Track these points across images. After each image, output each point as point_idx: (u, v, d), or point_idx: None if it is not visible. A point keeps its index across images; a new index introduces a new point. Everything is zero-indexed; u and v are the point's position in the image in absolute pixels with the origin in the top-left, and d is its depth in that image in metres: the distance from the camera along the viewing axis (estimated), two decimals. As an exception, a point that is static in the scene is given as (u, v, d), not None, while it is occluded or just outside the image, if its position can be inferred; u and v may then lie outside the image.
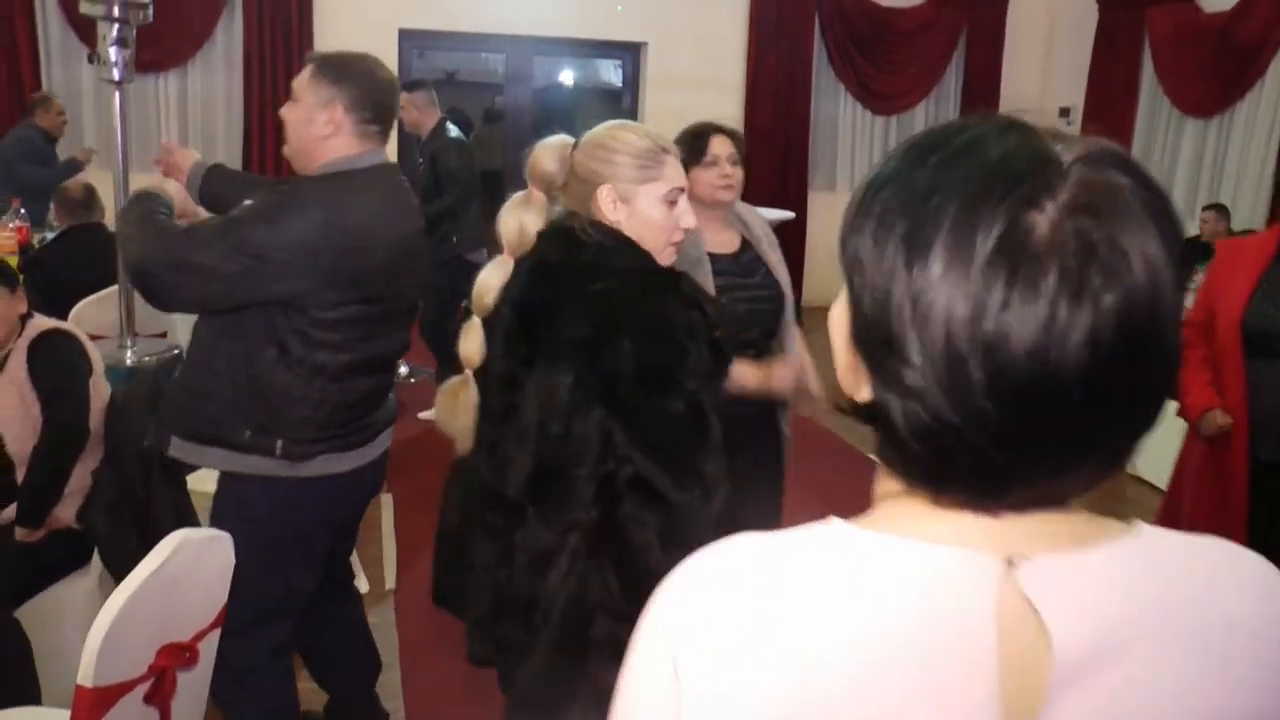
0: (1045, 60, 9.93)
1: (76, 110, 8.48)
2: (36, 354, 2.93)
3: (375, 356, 2.42)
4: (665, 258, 1.99)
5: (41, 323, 3.01)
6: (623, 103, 9.75)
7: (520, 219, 1.97)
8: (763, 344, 2.75)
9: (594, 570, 1.82)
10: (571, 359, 1.80)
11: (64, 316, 3.56)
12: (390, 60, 8.48)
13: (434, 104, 5.84)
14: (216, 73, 8.56)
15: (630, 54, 9.49)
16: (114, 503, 2.85)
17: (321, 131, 2.35)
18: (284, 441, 2.31)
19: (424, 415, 5.28)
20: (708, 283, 2.59)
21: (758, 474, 2.68)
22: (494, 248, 2.11)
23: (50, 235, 5.73)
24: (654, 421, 1.81)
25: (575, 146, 1.98)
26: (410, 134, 6.74)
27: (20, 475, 2.90)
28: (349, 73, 2.37)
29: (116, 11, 3.48)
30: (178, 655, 1.81)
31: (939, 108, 9.97)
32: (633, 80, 9.59)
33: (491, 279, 1.98)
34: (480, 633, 2.03)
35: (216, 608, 2.00)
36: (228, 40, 8.50)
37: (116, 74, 3.56)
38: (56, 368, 2.92)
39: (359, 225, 2.27)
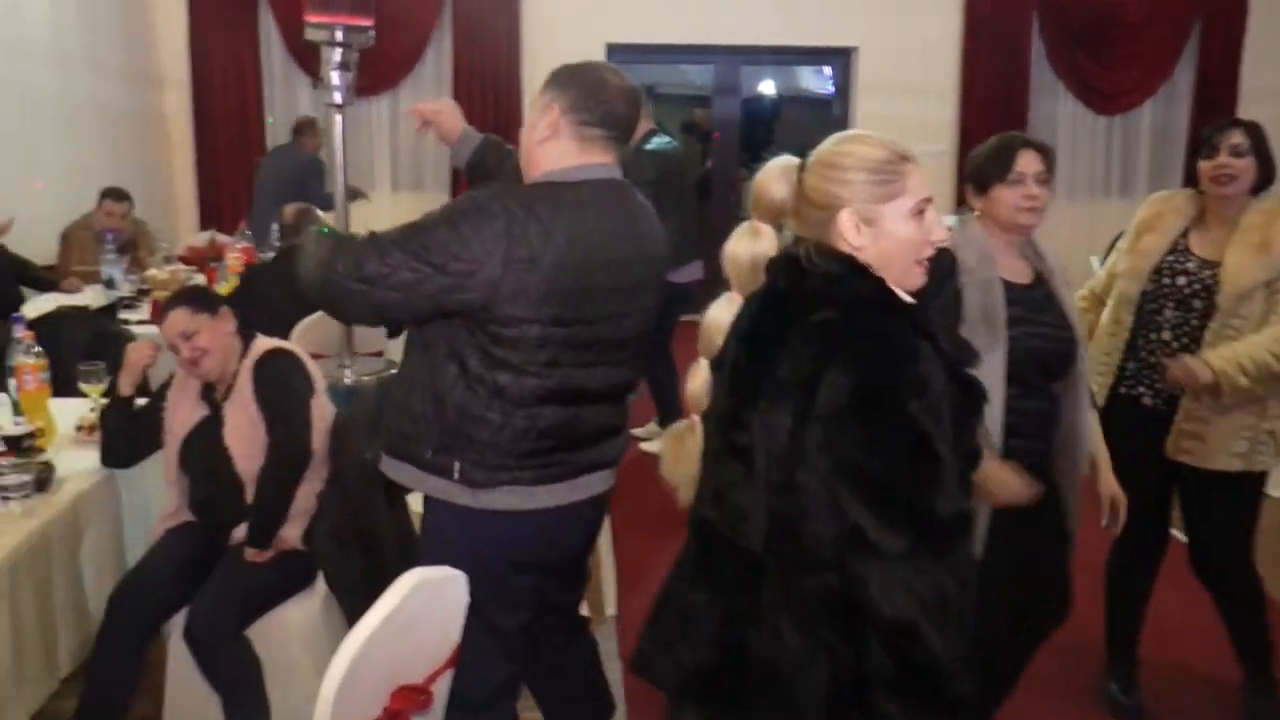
0: (1294, 52, 9.14)
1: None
2: (260, 375, 2.96)
3: (574, 386, 2.20)
4: (914, 279, 1.75)
5: (265, 343, 3.05)
6: (833, 111, 9.51)
7: (750, 253, 1.78)
8: (1044, 387, 2.47)
9: (841, 639, 1.59)
10: (789, 398, 1.60)
11: (276, 334, 3.60)
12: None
13: (648, 115, 5.53)
14: (426, 94, 8.72)
15: (841, 59, 9.24)
16: (338, 525, 2.84)
17: (539, 136, 2.21)
18: (462, 464, 2.16)
19: (637, 432, 5.21)
20: (997, 308, 2.36)
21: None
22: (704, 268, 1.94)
23: (272, 254, 5.93)
24: (865, 454, 1.58)
25: (802, 168, 1.76)
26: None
27: (250, 496, 2.93)
28: (572, 76, 2.23)
29: (339, 36, 3.51)
30: (412, 698, 1.73)
31: (1169, 107, 9.32)
32: (843, 87, 9.33)
33: (720, 317, 1.80)
34: (692, 697, 1.77)
35: (450, 648, 1.91)
36: (437, 61, 8.68)
37: (338, 98, 3.60)
38: (278, 389, 2.94)
39: (548, 240, 2.07)
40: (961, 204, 2.73)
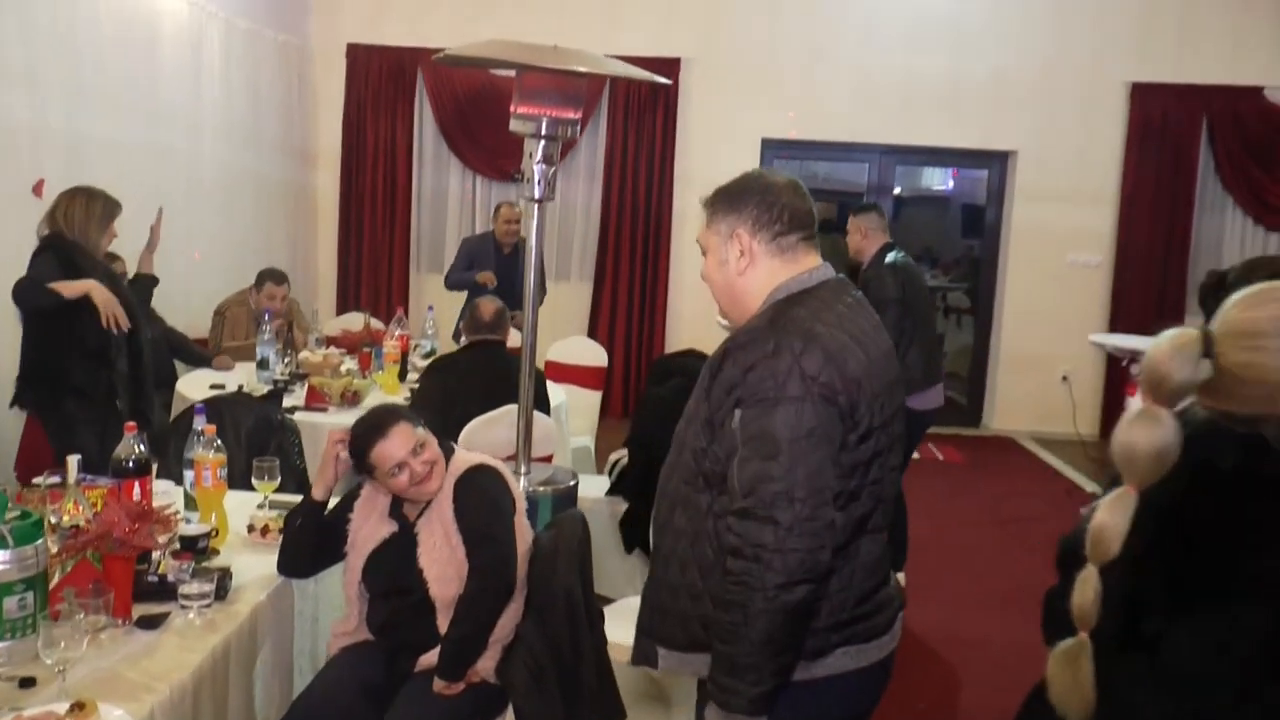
0: None
1: (442, 215, 8.86)
2: (462, 492, 2.75)
3: (874, 509, 1.99)
4: None
5: (466, 457, 2.84)
6: (986, 216, 9.22)
7: (1152, 443, 1.50)
8: None
9: None
10: (1267, 597, 1.34)
11: (448, 428, 3.41)
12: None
13: (883, 229, 5.28)
14: (578, 180, 8.71)
15: (999, 163, 8.98)
16: (537, 659, 2.61)
17: (738, 267, 2.06)
18: None
19: None
20: None
21: None
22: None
23: (427, 343, 5.83)
24: None
25: (1209, 340, 1.52)
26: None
27: (441, 620, 2.71)
28: (740, 194, 2.07)
29: (544, 129, 3.38)
30: None
31: (1343, 225, 8.86)
32: (998, 191, 9.05)
33: (1115, 522, 1.51)
34: None
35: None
36: (591, 149, 8.64)
37: (538, 192, 3.45)
38: (485, 509, 2.73)
39: (829, 351, 1.89)
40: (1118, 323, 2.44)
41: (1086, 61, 8.62)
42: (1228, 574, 1.38)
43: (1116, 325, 8.57)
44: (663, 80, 3.67)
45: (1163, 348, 1.51)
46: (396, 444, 2.72)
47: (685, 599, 1.99)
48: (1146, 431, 1.49)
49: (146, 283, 4.94)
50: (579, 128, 3.44)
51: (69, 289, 4.09)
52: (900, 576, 5.06)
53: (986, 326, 9.27)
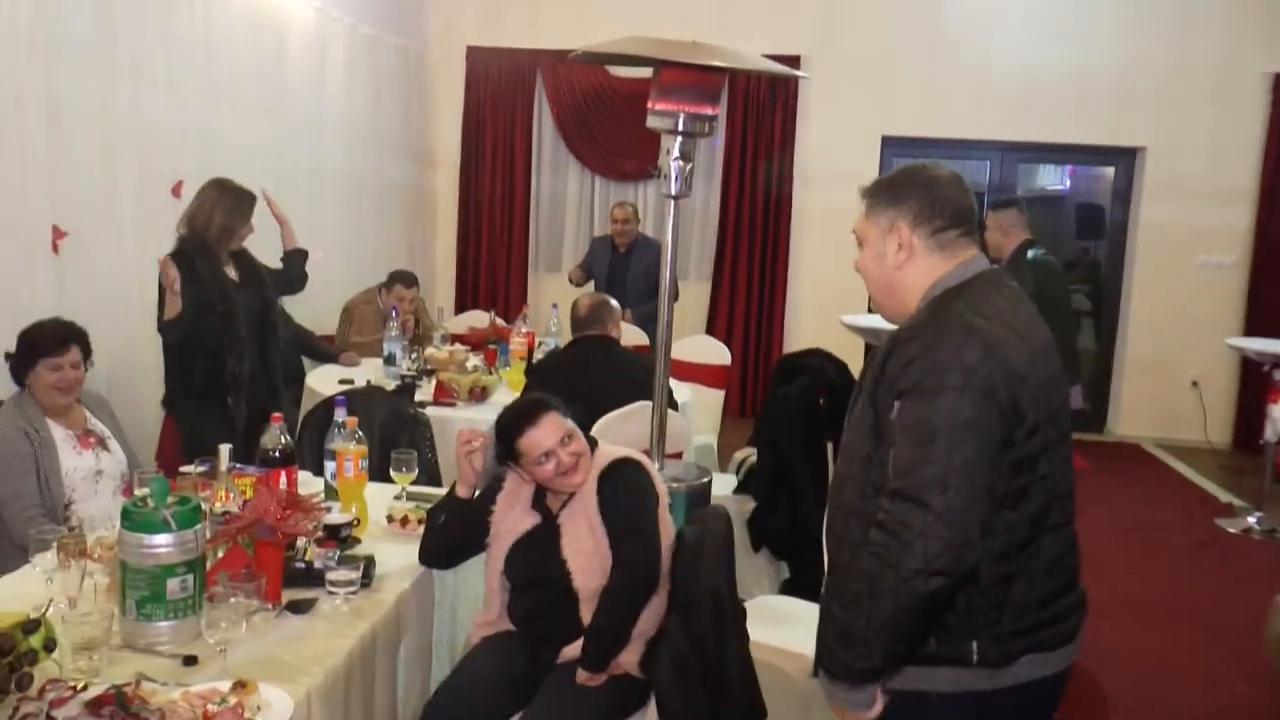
0: None
1: (559, 217, 8.92)
2: (607, 485, 2.75)
3: (1052, 504, 1.93)
4: None
5: (610, 450, 2.84)
6: (1111, 215, 8.95)
7: None
8: None
9: None
10: None
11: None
12: (872, 168, 8.31)
13: (1023, 226, 5.19)
14: (696, 179, 8.65)
15: (1126, 160, 8.72)
16: (682, 654, 2.58)
17: (896, 261, 2.02)
18: (979, 643, 1.87)
19: None
20: None
21: None
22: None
23: (551, 341, 5.85)
24: None
25: None
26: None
27: (584, 611, 2.71)
28: (904, 186, 2.04)
29: (681, 125, 3.36)
30: None
31: None
32: (1125, 190, 8.79)
33: None
34: None
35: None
36: (709, 147, 8.61)
37: (674, 189, 3.44)
38: (629, 503, 2.72)
39: (997, 337, 1.86)
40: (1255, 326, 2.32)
41: (1220, 51, 8.29)
42: None
43: (1253, 329, 8.21)
44: (799, 74, 3.63)
45: None
46: (546, 432, 2.72)
47: None
48: None
49: (298, 257, 4.94)
50: (715, 124, 3.41)
51: (168, 311, 4.16)
52: None
53: (1111, 329, 9.00)
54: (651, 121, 3.37)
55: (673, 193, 3.43)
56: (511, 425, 2.78)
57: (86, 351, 3.58)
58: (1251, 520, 6.45)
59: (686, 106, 3.33)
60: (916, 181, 2.03)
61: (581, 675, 2.64)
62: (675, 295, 3.84)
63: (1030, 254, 4.98)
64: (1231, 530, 6.45)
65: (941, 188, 2.02)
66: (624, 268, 7.08)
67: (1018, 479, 1.85)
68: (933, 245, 2.00)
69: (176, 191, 5.23)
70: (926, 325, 1.91)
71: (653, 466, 2.88)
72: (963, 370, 1.80)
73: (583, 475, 2.76)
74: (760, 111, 8.49)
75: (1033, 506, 1.88)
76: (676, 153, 3.38)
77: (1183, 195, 8.43)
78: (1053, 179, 13.96)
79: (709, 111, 3.35)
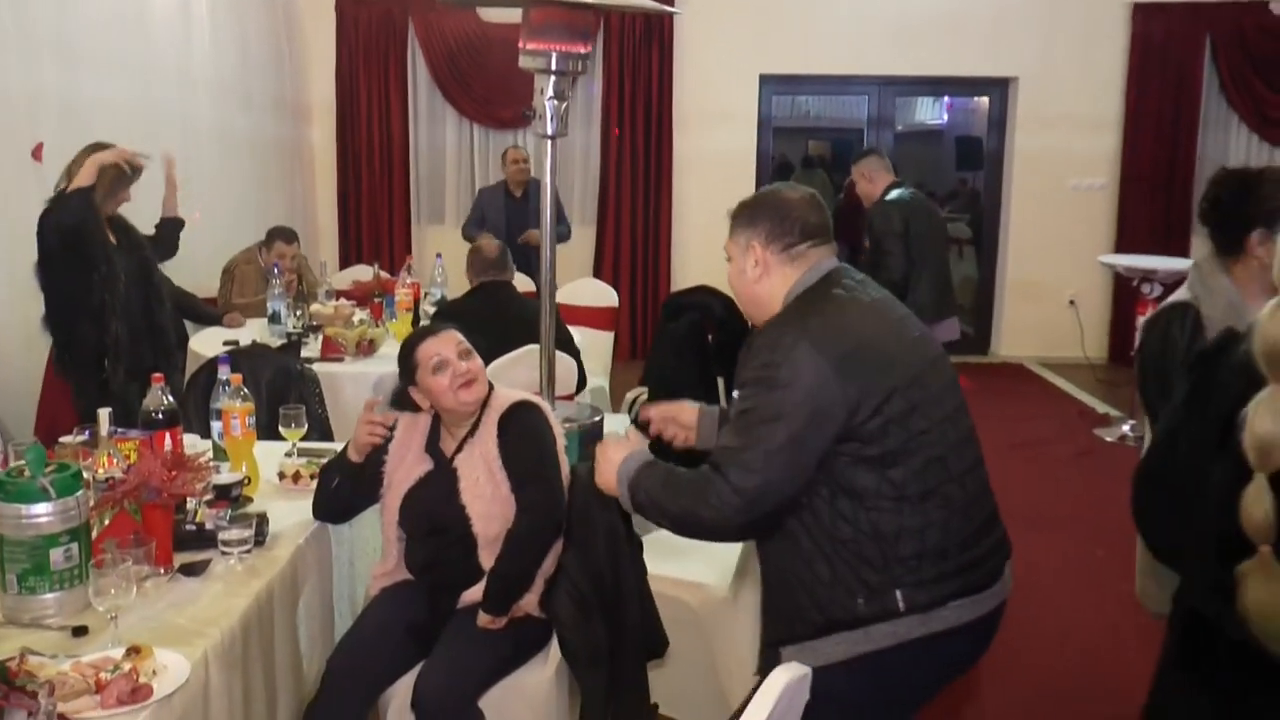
0: None
1: (440, 167, 8.82)
2: (509, 429, 2.75)
3: (945, 454, 2.08)
4: None
5: (508, 394, 2.84)
6: (987, 144, 9.17)
7: None
8: None
9: None
10: None
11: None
12: (751, 106, 8.35)
13: (887, 170, 5.32)
14: (574, 126, 8.63)
15: (999, 90, 8.91)
16: (580, 591, 2.61)
17: (754, 276, 2.22)
18: (903, 592, 2.01)
19: None
20: None
21: None
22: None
23: (437, 291, 5.80)
24: None
25: None
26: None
27: (483, 556, 2.72)
28: (756, 209, 2.24)
29: (554, 64, 3.33)
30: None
31: (1350, 137, 8.81)
32: (1000, 119, 9.00)
33: (1275, 429, 1.49)
34: None
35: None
36: (586, 94, 8.57)
37: (551, 128, 3.41)
38: (532, 447, 2.74)
39: (845, 328, 2.07)
40: (1227, 252, 2.46)
41: (1086, -18, 8.53)
42: None
43: (1122, 247, 8.55)
44: (671, 9, 3.62)
45: None
46: (444, 342, 2.77)
47: (799, 592, 2.09)
48: None
49: (173, 225, 4.87)
50: (588, 63, 3.39)
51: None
52: None
53: (991, 255, 9.26)
54: (524, 61, 3.34)
55: (549, 133, 3.40)
56: (412, 339, 2.83)
57: None
58: (1125, 429, 6.82)
59: (558, 45, 3.29)
60: (769, 204, 2.23)
61: (483, 619, 2.65)
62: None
63: (894, 194, 5.12)
64: (1108, 439, 6.81)
65: (792, 207, 2.21)
66: (522, 213, 7.06)
67: (887, 441, 1.99)
68: (784, 259, 2.19)
69: (37, 154, 5.03)
70: (771, 326, 2.12)
71: (549, 409, 2.88)
72: (792, 369, 1.98)
73: (477, 395, 2.77)
74: (636, 53, 8.47)
75: (919, 460, 2.01)
76: (551, 92, 3.36)
77: (1053, 123, 8.68)
78: (931, 113, 14.18)
79: (581, 50, 3.31)
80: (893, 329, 2.13)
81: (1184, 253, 8.04)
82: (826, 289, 2.15)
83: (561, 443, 2.83)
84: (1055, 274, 8.87)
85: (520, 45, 3.36)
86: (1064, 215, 8.82)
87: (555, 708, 2.74)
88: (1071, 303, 8.83)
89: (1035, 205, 8.87)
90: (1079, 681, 3.82)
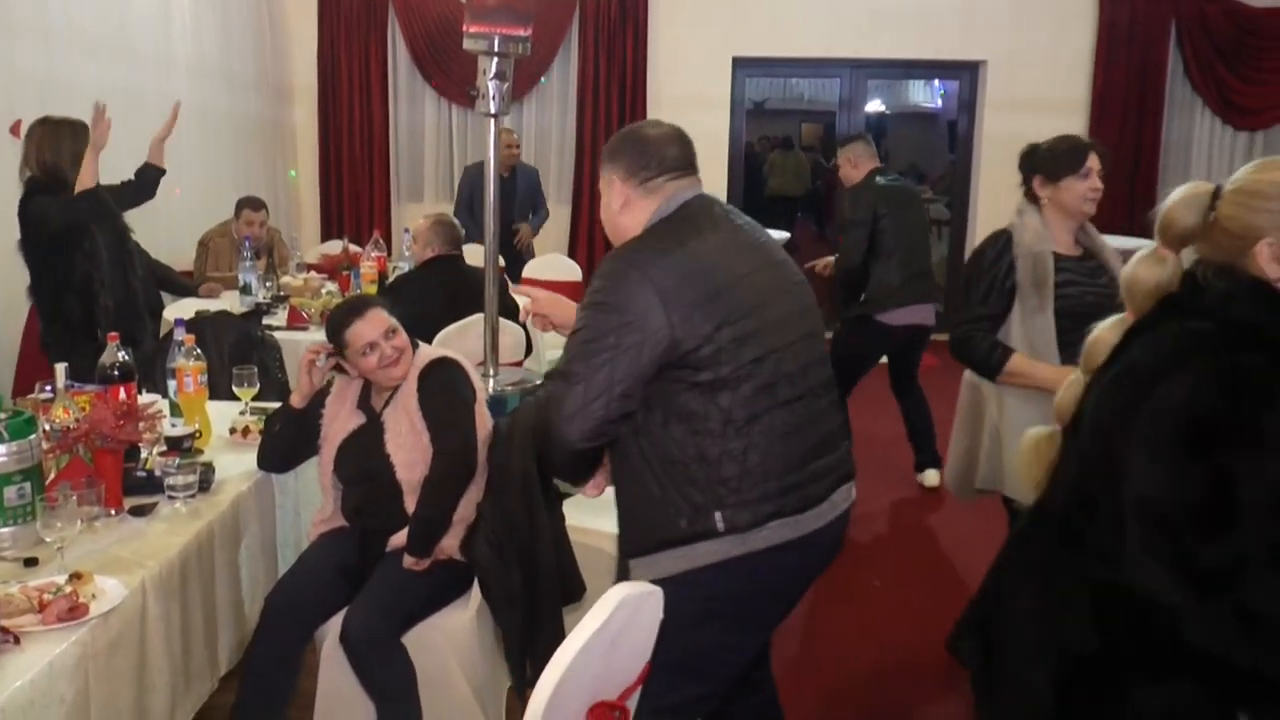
0: None
1: (419, 146, 8.98)
2: (426, 383, 2.95)
3: (782, 384, 2.21)
4: None
5: (429, 351, 3.04)
6: (958, 126, 9.32)
7: (1154, 279, 1.74)
8: None
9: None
10: (1131, 381, 1.64)
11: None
12: (724, 89, 8.52)
13: (870, 156, 5.42)
14: (550, 107, 8.81)
15: (968, 74, 9.07)
16: (497, 536, 2.81)
17: (617, 208, 2.34)
18: (723, 513, 2.15)
19: None
20: (1047, 274, 3.03)
21: None
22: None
23: (404, 265, 5.99)
24: (1157, 479, 1.54)
25: (1216, 195, 1.72)
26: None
27: (408, 502, 2.93)
28: (618, 147, 2.36)
29: (496, 46, 3.53)
30: (609, 715, 1.68)
31: (1312, 122, 8.97)
32: (969, 102, 9.15)
33: (1106, 337, 1.81)
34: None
35: (641, 664, 1.87)
36: (564, 76, 8.73)
37: (493, 107, 3.61)
38: (447, 398, 2.94)
39: (681, 259, 2.16)
40: (1028, 194, 3.26)
41: (1054, -34, 8.67)
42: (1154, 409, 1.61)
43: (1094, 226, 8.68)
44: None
45: (1177, 197, 1.74)
46: (371, 325, 2.95)
47: (637, 508, 2.26)
48: (1151, 269, 1.72)
49: (155, 172, 5.00)
50: (529, 45, 3.57)
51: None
52: (931, 474, 5.43)
53: (961, 237, 9.41)
54: (467, 44, 3.54)
55: (492, 111, 3.60)
56: (340, 317, 3.01)
57: None
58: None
59: (500, 28, 3.49)
60: (630, 141, 2.35)
61: (407, 561, 2.86)
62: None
63: (877, 180, 5.26)
64: (1072, 415, 6.93)
65: (649, 143, 2.32)
66: (511, 190, 7.25)
67: (719, 368, 2.12)
68: (643, 192, 2.30)
69: (15, 131, 5.19)
70: (610, 255, 2.24)
71: (469, 364, 3.08)
72: (618, 294, 2.11)
73: (403, 369, 2.97)
74: (611, 35, 8.62)
75: (749, 387, 2.14)
76: (493, 73, 3.55)
77: (1022, 106, 8.80)
78: (925, 97, 14.29)
79: (521, 33, 3.51)
80: (738, 260, 2.21)
81: (1147, 234, 8.16)
82: (679, 219, 2.24)
83: (482, 395, 3.03)
84: (1022, 255, 8.99)
85: (464, 29, 3.56)
86: (1032, 197, 8.94)
87: (476, 645, 2.94)
88: (1038, 282, 8.97)
89: (1005, 188, 8.91)
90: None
